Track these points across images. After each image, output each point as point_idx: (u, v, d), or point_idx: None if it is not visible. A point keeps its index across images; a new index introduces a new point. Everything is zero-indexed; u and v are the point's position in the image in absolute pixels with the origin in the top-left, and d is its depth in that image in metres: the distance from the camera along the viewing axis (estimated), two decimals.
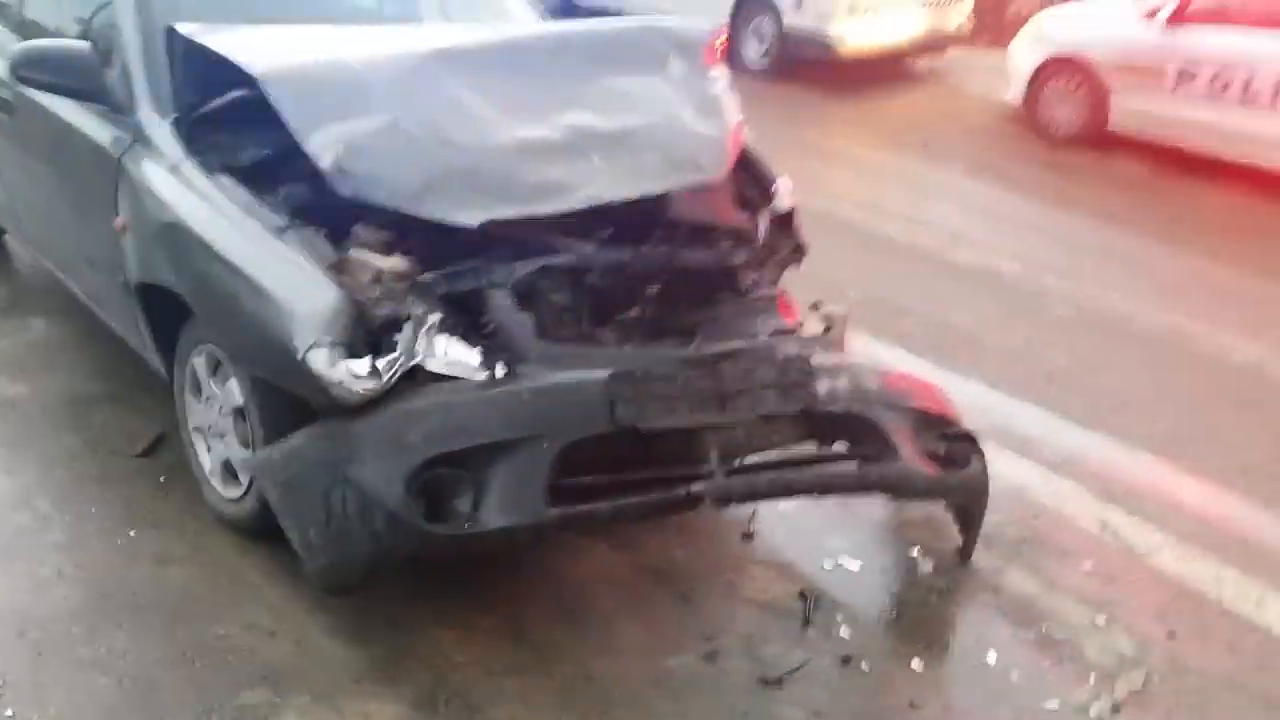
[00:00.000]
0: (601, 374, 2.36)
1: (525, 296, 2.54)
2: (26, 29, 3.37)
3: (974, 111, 8.32)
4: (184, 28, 2.69)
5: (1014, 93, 7.72)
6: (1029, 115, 7.63)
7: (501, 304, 2.48)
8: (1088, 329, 4.55)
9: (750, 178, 3.16)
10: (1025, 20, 8.33)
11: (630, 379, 2.37)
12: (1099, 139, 7.15)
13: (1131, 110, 6.99)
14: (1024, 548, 3.01)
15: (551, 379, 2.38)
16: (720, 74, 3.17)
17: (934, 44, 9.46)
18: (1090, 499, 3.26)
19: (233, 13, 2.89)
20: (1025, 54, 7.64)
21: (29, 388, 3.39)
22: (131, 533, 2.74)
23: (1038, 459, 3.46)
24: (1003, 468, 3.30)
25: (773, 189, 3.15)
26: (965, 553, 2.89)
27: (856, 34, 8.68)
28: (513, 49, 3.02)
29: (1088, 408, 3.79)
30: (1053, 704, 2.44)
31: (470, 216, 2.50)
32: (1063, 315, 4.67)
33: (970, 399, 3.60)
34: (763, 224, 3.04)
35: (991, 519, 2.99)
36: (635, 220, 2.80)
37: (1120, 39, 7.11)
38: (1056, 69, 7.40)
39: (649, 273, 2.75)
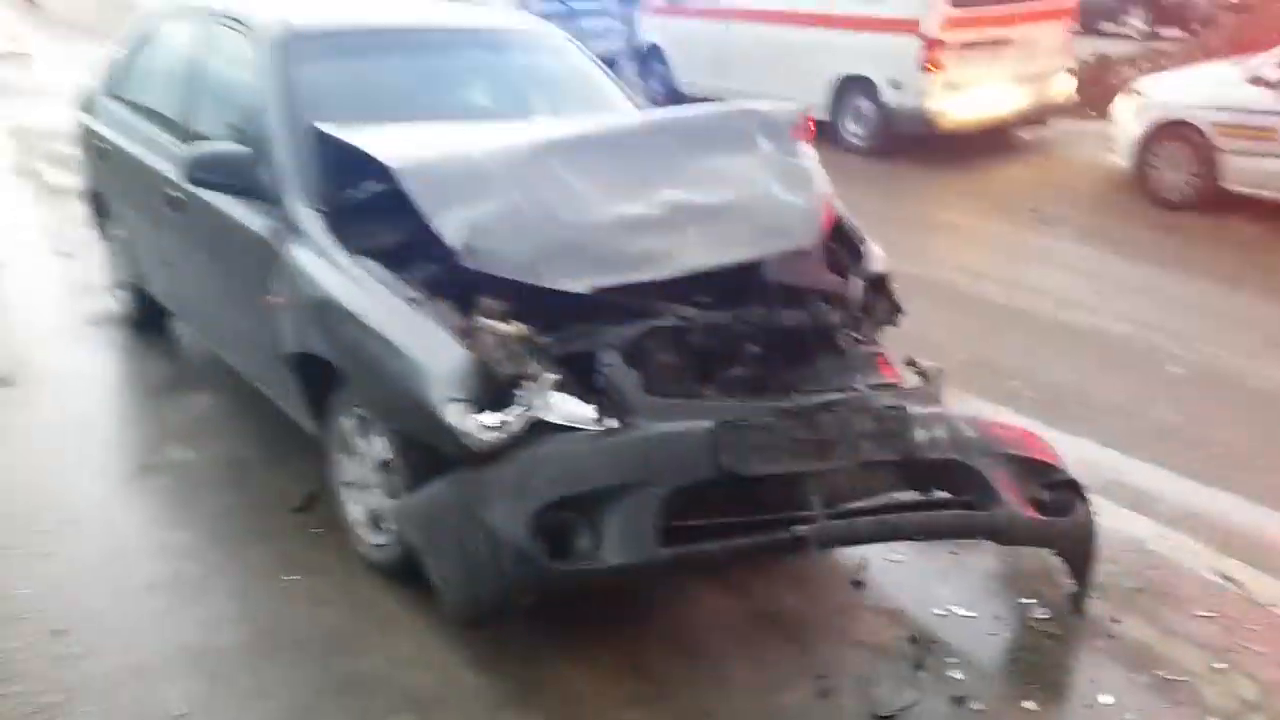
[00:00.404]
0: (706, 424, 2.55)
1: (633, 356, 2.75)
2: (192, 139, 3.82)
3: (1081, 179, 8.32)
4: (328, 128, 3.07)
5: (1120, 159, 7.72)
6: (1138, 181, 7.60)
7: (611, 362, 2.70)
8: (1199, 386, 4.51)
9: (842, 245, 3.34)
10: (1126, 88, 8.36)
11: (732, 428, 2.54)
12: (1211, 202, 7.07)
13: (1244, 170, 6.92)
14: (1140, 597, 3.02)
15: (659, 429, 2.57)
16: (807, 150, 3.39)
17: (1037, 115, 9.53)
18: (1207, 551, 3.25)
19: (367, 114, 3.27)
20: (1131, 120, 7.65)
21: (196, 454, 3.77)
22: (292, 577, 3.02)
23: (1152, 514, 3.47)
24: (1117, 522, 3.35)
25: (863, 252, 3.33)
26: (1078, 601, 2.91)
27: (958, 108, 8.83)
28: (613, 137, 3.32)
29: (1201, 463, 3.78)
30: None
31: (580, 284, 2.75)
32: (1174, 373, 4.64)
33: (1081, 455, 3.64)
34: (855, 286, 3.21)
35: (1106, 570, 3.04)
36: (734, 286, 3.01)
37: (1229, 101, 7.07)
38: (1164, 134, 7.39)
39: (748, 332, 2.94)
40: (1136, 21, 18.67)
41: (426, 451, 2.66)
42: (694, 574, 2.92)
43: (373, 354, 2.75)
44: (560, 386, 2.60)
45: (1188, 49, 11.83)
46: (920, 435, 2.70)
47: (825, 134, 9.27)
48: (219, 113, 3.79)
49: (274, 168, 3.21)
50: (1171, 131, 7.33)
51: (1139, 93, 7.78)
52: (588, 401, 2.62)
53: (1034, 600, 2.97)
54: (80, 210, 5.73)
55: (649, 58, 12.32)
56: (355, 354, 2.83)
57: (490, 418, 2.50)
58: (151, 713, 2.49)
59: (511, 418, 2.51)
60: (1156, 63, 11.00)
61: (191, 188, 3.44)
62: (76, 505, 3.39)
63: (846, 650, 2.78)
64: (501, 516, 2.41)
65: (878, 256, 3.37)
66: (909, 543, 3.16)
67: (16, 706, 2.49)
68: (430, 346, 2.62)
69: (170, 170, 3.77)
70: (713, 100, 9.32)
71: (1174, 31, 17.97)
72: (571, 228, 2.87)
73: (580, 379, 2.67)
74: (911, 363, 3.10)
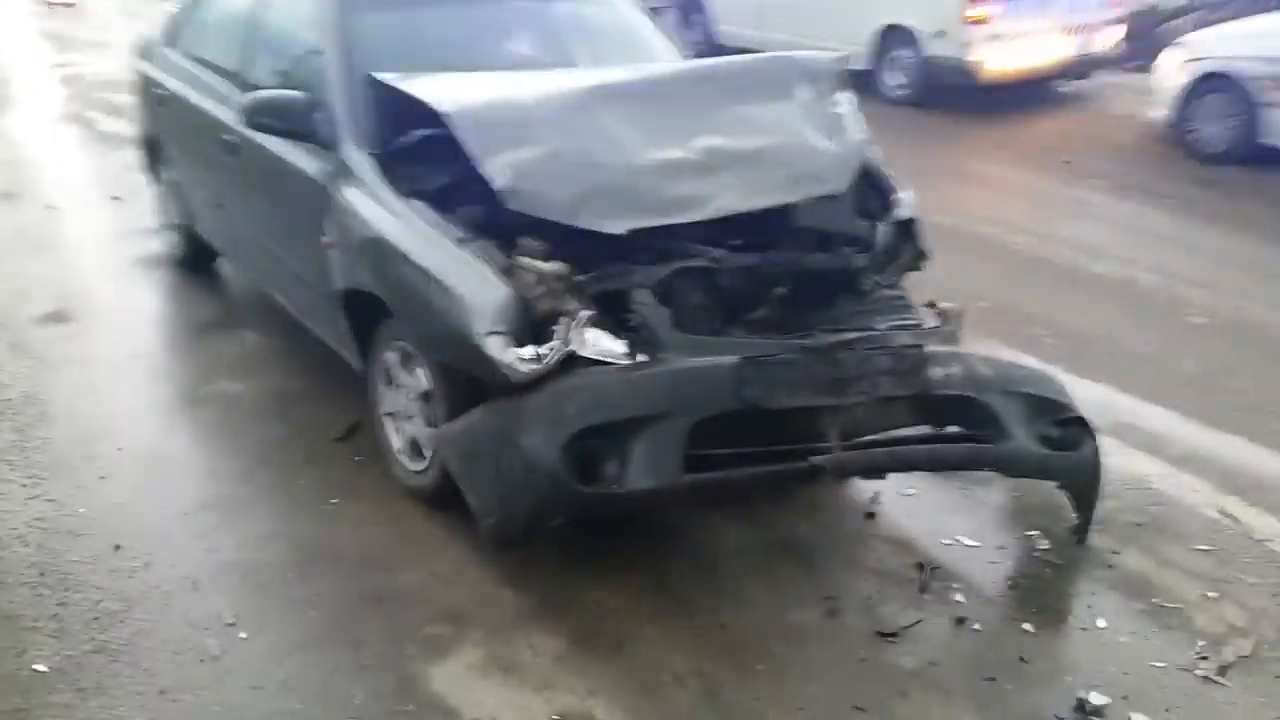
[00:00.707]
0: (730, 359, 2.69)
1: (664, 295, 2.89)
2: (249, 87, 3.97)
3: (1119, 132, 8.26)
4: (382, 76, 3.21)
5: (1161, 111, 7.66)
6: (1177, 134, 7.56)
7: (643, 301, 2.84)
8: (1222, 336, 4.57)
9: (873, 190, 3.45)
10: (1172, 41, 8.26)
11: (755, 363, 2.69)
12: (1250, 156, 7.02)
13: None
14: (1140, 531, 3.14)
15: (686, 363, 2.72)
16: (845, 98, 3.48)
17: (1080, 67, 9.43)
18: (1210, 490, 3.36)
19: (419, 63, 3.41)
20: (1172, 73, 7.58)
21: (245, 386, 3.98)
22: (334, 501, 3.22)
23: (1160, 455, 3.57)
24: (1125, 461, 3.47)
25: (893, 199, 3.44)
26: (1080, 533, 3.04)
27: (998, 58, 8.76)
28: (654, 84, 3.43)
29: (1214, 408, 3.86)
30: (1160, 663, 2.59)
31: (617, 226, 2.88)
32: (1198, 323, 4.70)
33: (1097, 399, 3.77)
34: (882, 232, 3.32)
35: (1110, 505, 3.16)
36: (765, 228, 3.13)
37: (1273, 54, 6.99)
38: (1205, 86, 7.32)
39: (775, 274, 3.06)
40: None
41: (466, 382, 2.84)
42: (715, 500, 3.07)
43: (419, 289, 2.91)
44: (594, 322, 2.75)
45: (1242, 3, 11.59)
46: (936, 373, 2.83)
47: (866, 84, 9.28)
48: (276, 62, 3.94)
49: (329, 113, 3.35)
50: (1213, 84, 7.26)
51: (1184, 45, 7.69)
52: (619, 337, 2.77)
53: (1038, 532, 3.10)
54: (130, 157, 5.94)
55: (690, 8, 12.28)
56: (402, 289, 3.00)
57: (528, 350, 2.66)
58: (203, 620, 2.70)
59: (548, 350, 2.67)
60: (1207, 17, 10.80)
61: (248, 132, 3.60)
62: (131, 432, 3.61)
63: (856, 575, 2.94)
64: (536, 442, 2.58)
65: (908, 203, 3.46)
66: (922, 478, 3.31)
67: (80, 613, 2.71)
68: (473, 283, 2.77)
69: (228, 116, 3.93)
70: (753, 51, 9.35)
71: None
72: (610, 171, 3.00)
73: (613, 315, 2.82)
74: (931, 304, 3.22)
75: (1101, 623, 2.74)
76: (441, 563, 2.93)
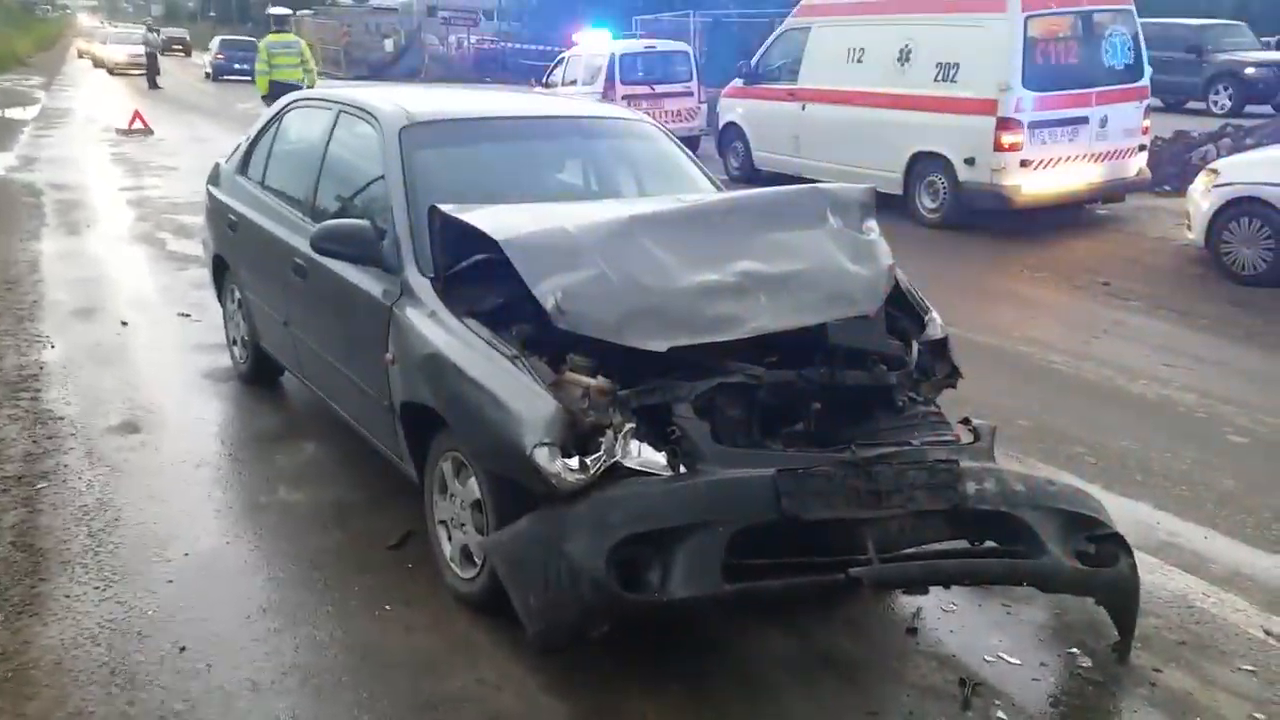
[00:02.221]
0: (768, 471, 2.81)
1: (704, 409, 3.03)
2: (318, 214, 4.27)
3: (1155, 254, 8.40)
4: (444, 207, 3.47)
5: (1196, 234, 7.80)
6: (1211, 256, 7.68)
7: (684, 415, 2.98)
8: (1261, 456, 4.59)
9: (904, 311, 3.60)
10: (1204, 165, 8.47)
11: (793, 475, 2.80)
12: None
13: None
14: (1183, 649, 3.14)
15: (725, 474, 2.84)
16: (873, 226, 3.68)
17: (1112, 191, 9.66)
18: (1252, 609, 3.35)
19: (475, 194, 3.67)
20: (1206, 196, 7.76)
21: (305, 494, 4.15)
22: (386, 607, 3.33)
23: (1201, 573, 3.57)
24: (1166, 579, 3.48)
25: (926, 320, 3.59)
26: (1122, 651, 3.06)
27: (1032, 183, 9.03)
28: (692, 214, 3.65)
29: (1254, 528, 3.88)
30: None
31: (659, 344, 3.05)
32: (1236, 442, 4.73)
33: (1136, 517, 3.80)
34: (915, 350, 3.45)
35: (1151, 623, 3.19)
36: (799, 348, 3.28)
37: None
38: (1238, 209, 7.48)
39: (810, 391, 3.20)
40: (1223, 99, 18.66)
41: (516, 491, 2.97)
42: (755, 609, 3.14)
43: (473, 403, 3.08)
44: (637, 435, 2.90)
45: (1272, 127, 11.85)
46: (971, 488, 2.91)
47: (899, 208, 9.57)
48: (343, 191, 4.26)
49: (393, 240, 3.62)
50: (1245, 207, 7.43)
51: (1215, 170, 7.89)
52: (661, 449, 2.91)
53: (1079, 650, 3.11)
54: (198, 275, 6.28)
55: (727, 136, 12.80)
56: (457, 402, 3.17)
57: (574, 461, 2.80)
58: None
59: (593, 461, 2.82)
60: (1238, 140, 11.06)
61: (316, 256, 3.87)
62: (197, 538, 3.77)
63: (898, 690, 2.96)
64: (581, 549, 2.69)
65: (939, 324, 3.61)
66: (963, 595, 3.35)
67: (147, 712, 2.82)
68: (524, 397, 2.93)
69: (296, 240, 4.23)
70: (787, 177, 9.72)
71: (1262, 109, 17.87)
72: (652, 293, 3.19)
73: (656, 429, 2.96)
74: (966, 421, 3.33)
75: None
76: (489, 668, 3.01)
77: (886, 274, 3.53)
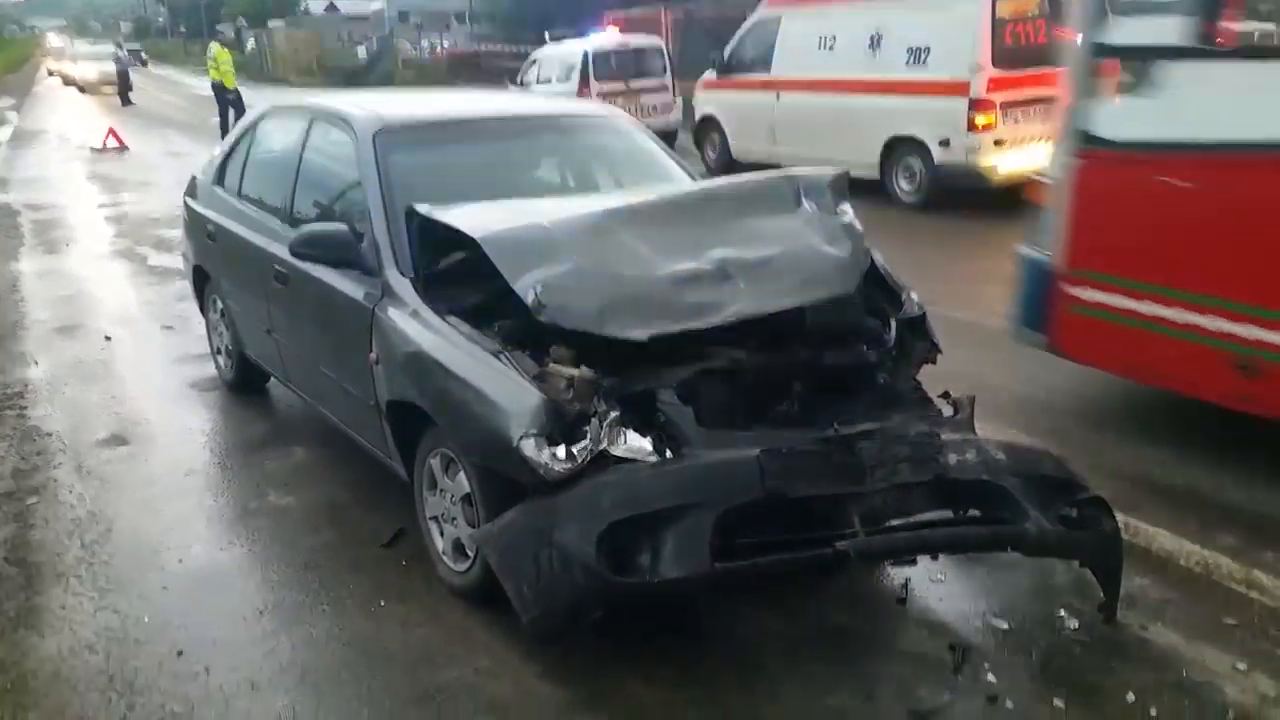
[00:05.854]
0: (752, 451, 2.85)
1: (687, 394, 3.07)
2: (296, 221, 4.29)
3: None
4: (420, 207, 3.49)
5: None
6: None
7: (667, 400, 3.03)
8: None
9: (881, 291, 3.64)
10: None
11: (778, 455, 2.83)
12: None
13: None
14: (1168, 607, 3.20)
15: (711, 457, 2.88)
16: (846, 208, 3.72)
17: None
18: (1236, 565, 3.41)
19: (452, 193, 3.69)
20: None
21: (295, 498, 4.17)
22: (381, 603, 3.36)
23: (1184, 531, 3.63)
24: (1149, 538, 3.53)
25: (903, 297, 3.63)
26: (1108, 610, 3.11)
27: (1007, 162, 9.11)
28: (667, 204, 3.69)
29: (1235, 485, 3.93)
30: None
31: (639, 333, 3.09)
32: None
33: (1118, 479, 3.84)
34: (893, 328, 3.50)
35: (1136, 582, 3.25)
36: (779, 330, 3.32)
37: None
38: None
39: (792, 372, 3.24)
40: None
41: (505, 484, 3.00)
42: (744, 587, 3.17)
43: (459, 398, 3.11)
44: (622, 422, 2.94)
45: None
46: (952, 459, 2.96)
47: (878, 193, 9.63)
48: (319, 196, 4.28)
49: (371, 242, 3.64)
50: None
51: None
52: (646, 435, 2.95)
53: (1066, 612, 3.17)
54: (180, 288, 6.28)
55: (704, 128, 12.84)
56: (444, 399, 3.20)
57: (561, 450, 2.84)
58: None
59: (580, 450, 2.85)
60: None
61: (296, 262, 3.89)
62: (190, 545, 3.79)
63: (889, 659, 3.01)
64: (571, 536, 2.72)
65: (916, 301, 3.66)
66: (951, 564, 3.40)
67: (147, 716, 2.84)
68: (509, 390, 2.97)
69: (276, 248, 4.24)
70: (765, 167, 9.74)
71: None
72: (631, 284, 3.22)
73: (641, 415, 3.00)
74: (945, 394, 3.37)
75: (1130, 697, 2.79)
76: (485, 658, 3.05)
77: (862, 254, 3.57)
